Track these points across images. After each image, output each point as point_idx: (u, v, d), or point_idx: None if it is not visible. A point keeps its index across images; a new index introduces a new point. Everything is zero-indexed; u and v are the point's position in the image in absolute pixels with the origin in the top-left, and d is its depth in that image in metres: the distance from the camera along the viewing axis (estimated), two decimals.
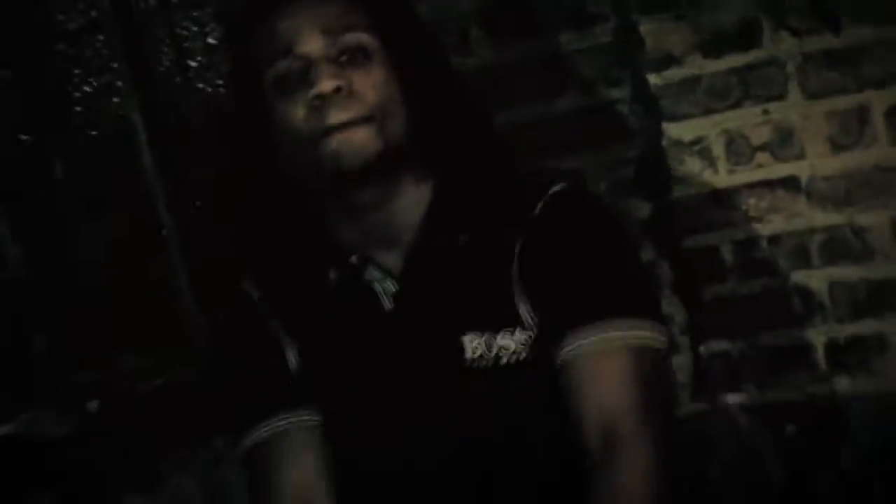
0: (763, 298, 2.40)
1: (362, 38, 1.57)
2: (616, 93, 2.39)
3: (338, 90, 1.53)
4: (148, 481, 2.59)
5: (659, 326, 1.57)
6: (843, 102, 2.26)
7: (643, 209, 2.42)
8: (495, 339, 1.58)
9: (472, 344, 1.58)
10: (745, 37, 2.31)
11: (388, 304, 1.64)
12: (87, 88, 2.54)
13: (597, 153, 2.41)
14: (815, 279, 2.35)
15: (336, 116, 1.54)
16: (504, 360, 1.57)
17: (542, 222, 1.59)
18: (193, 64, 2.57)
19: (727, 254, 2.41)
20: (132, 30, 2.51)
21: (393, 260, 1.63)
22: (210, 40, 2.55)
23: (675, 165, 2.39)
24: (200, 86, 2.50)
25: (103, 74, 2.51)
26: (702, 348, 2.45)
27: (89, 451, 2.53)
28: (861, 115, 2.26)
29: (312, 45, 1.56)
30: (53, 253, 2.60)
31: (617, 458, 1.48)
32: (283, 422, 1.66)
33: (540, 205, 1.60)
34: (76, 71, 2.54)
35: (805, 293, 2.36)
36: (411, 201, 1.62)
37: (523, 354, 1.57)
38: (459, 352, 1.58)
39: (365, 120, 1.55)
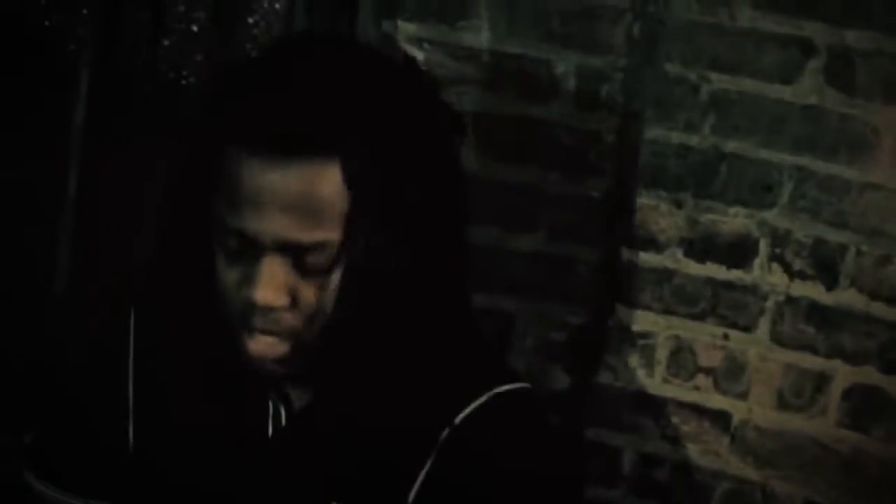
0: None
1: (328, 242, 1.26)
2: (584, 252, 2.18)
3: (272, 310, 1.28)
4: None
5: None
6: (808, 362, 2.09)
7: (561, 381, 2.20)
8: None
9: None
10: (737, 253, 2.12)
11: (270, 429, 1.40)
12: None
13: (538, 304, 2.19)
14: None
15: (262, 323, 1.29)
16: None
17: (458, 443, 1.36)
18: None
19: (627, 462, 2.20)
20: None
21: (301, 394, 1.39)
22: None
23: (610, 351, 2.18)
24: None
25: None
26: None
27: None
28: (820, 382, 2.08)
29: (270, 236, 1.26)
30: None
31: None
32: None
33: (463, 415, 1.36)
34: None
35: None
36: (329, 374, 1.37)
37: None
38: None
39: (290, 334, 1.30)
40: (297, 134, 1.22)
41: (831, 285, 2.07)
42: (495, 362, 1.48)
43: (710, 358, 2.15)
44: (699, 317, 2.15)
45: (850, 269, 2.06)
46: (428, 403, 1.36)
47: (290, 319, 1.28)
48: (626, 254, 2.17)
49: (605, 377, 2.21)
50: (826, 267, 2.07)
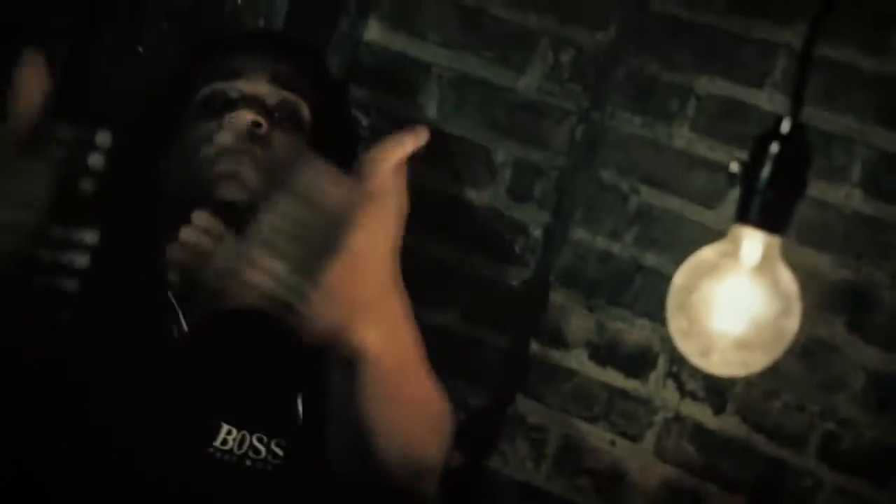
0: None
1: (301, 106, 1.59)
2: (494, 338, 2.23)
3: (256, 125, 1.52)
4: None
5: None
6: (684, 481, 2.11)
7: (453, 459, 2.24)
8: (250, 438, 1.48)
9: (227, 435, 1.47)
10: (636, 364, 2.15)
11: (176, 332, 1.54)
12: None
13: (442, 381, 2.24)
14: None
15: (241, 143, 1.52)
16: (248, 463, 1.47)
17: None
18: None
19: None
20: None
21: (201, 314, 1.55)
22: None
23: (504, 438, 2.23)
24: None
25: None
26: None
27: None
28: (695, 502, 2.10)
29: (256, 86, 1.57)
30: None
31: None
32: None
33: None
34: None
35: None
36: None
37: (270, 467, 1.47)
38: (211, 434, 1.47)
39: (257, 163, 1.53)
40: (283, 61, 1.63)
41: (718, 410, 2.10)
42: None
43: (595, 461, 2.18)
44: (592, 419, 2.19)
45: (739, 398, 2.09)
46: None
47: (261, 157, 1.51)
48: (534, 347, 2.22)
49: (495, 462, 2.24)
50: (716, 392, 2.10)
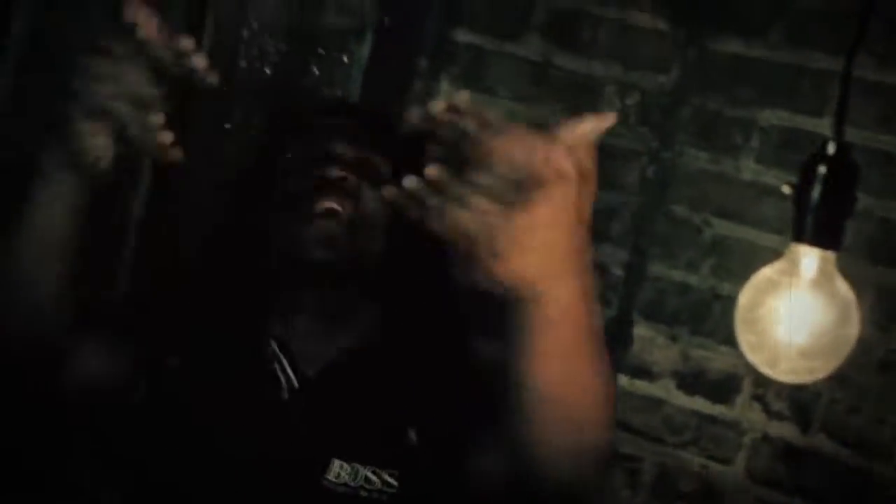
0: None
1: (380, 161, 1.65)
2: None
3: (343, 179, 1.61)
4: None
5: None
6: (778, 499, 2.18)
7: None
8: (362, 471, 1.57)
9: (340, 469, 1.57)
10: (722, 390, 2.23)
11: (285, 395, 1.63)
12: None
13: None
14: None
15: (327, 202, 1.60)
16: (364, 494, 1.56)
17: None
18: None
19: None
20: None
21: (309, 365, 1.64)
22: None
23: None
24: None
25: None
26: None
27: None
28: None
29: (336, 146, 1.65)
30: None
31: None
32: None
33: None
34: None
35: None
36: (353, 330, 1.65)
37: (385, 496, 1.56)
38: (323, 469, 1.57)
39: (349, 220, 1.61)
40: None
41: (805, 428, 2.17)
42: None
43: (690, 486, 2.26)
44: (682, 446, 2.26)
45: (823, 415, 2.15)
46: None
47: (345, 200, 1.60)
48: (622, 380, 2.31)
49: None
50: (802, 410, 2.17)
